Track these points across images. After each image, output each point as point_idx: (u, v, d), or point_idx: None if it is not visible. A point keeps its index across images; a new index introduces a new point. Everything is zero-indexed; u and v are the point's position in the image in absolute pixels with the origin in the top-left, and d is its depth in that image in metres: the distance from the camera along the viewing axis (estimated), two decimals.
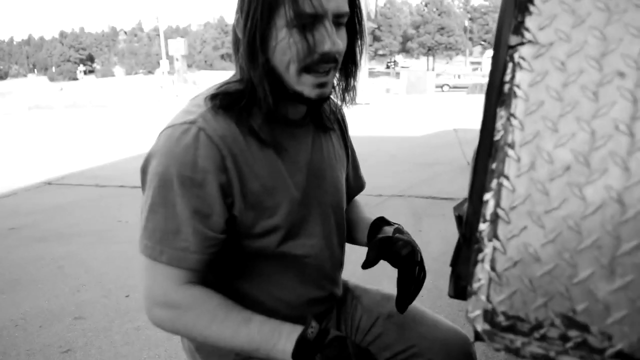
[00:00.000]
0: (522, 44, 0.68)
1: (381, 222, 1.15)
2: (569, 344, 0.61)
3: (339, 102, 1.05)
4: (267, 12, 0.86)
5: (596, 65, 0.63)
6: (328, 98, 0.96)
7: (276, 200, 0.97)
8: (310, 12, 0.85)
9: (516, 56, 0.68)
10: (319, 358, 0.86)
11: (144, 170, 0.94)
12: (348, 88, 1.02)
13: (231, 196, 0.92)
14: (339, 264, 1.16)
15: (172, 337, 2.39)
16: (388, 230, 1.11)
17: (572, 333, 0.61)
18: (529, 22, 0.68)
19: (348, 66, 1.00)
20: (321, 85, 0.91)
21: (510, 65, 0.68)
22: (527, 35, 0.68)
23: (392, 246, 1.06)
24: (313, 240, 1.05)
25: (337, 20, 0.89)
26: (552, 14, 0.67)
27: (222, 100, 0.93)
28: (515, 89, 0.67)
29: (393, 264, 1.08)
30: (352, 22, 0.95)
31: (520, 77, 0.67)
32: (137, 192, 5.52)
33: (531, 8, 0.68)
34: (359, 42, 0.98)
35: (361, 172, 1.31)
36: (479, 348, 1.19)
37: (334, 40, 0.87)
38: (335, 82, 1.01)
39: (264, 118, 0.95)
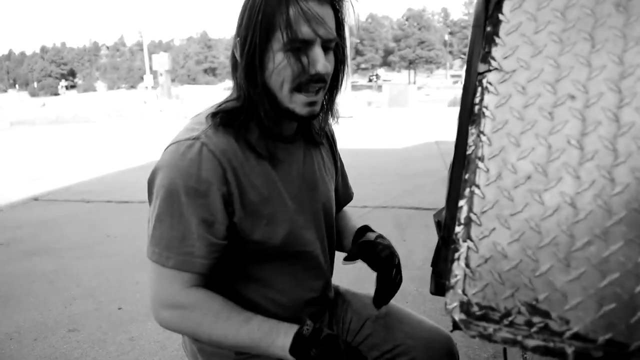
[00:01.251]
0: (489, 70, 0.78)
1: (365, 229, 1.26)
2: (534, 329, 0.71)
3: (322, 119, 1.14)
4: (264, 36, 0.96)
5: (551, 89, 0.74)
6: (318, 115, 1.05)
7: (272, 209, 1.05)
8: (303, 37, 0.95)
9: (484, 81, 0.78)
10: (314, 353, 0.95)
11: (150, 184, 1.03)
12: (331, 107, 1.12)
13: (232, 205, 1.00)
14: (330, 268, 1.25)
15: (167, 347, 2.44)
16: (371, 236, 1.21)
17: (536, 319, 0.71)
18: (495, 52, 0.79)
19: (332, 87, 1.09)
20: (311, 104, 1.00)
21: (479, 89, 0.78)
22: (493, 63, 0.78)
23: (373, 249, 1.17)
24: (307, 246, 1.13)
25: (325, 45, 0.99)
26: (514, 45, 0.78)
27: (222, 118, 1.02)
28: (484, 109, 0.77)
29: (372, 267, 1.19)
30: (337, 48, 1.05)
31: (488, 99, 0.77)
32: (123, 207, 5.57)
33: (497, 40, 0.79)
34: (342, 66, 1.08)
35: (350, 184, 1.41)
36: (461, 349, 1.28)
37: (323, 63, 0.97)
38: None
39: (259, 133, 1.04)
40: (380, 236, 1.22)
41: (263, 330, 0.98)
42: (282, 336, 0.97)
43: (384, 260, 1.16)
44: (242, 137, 1.02)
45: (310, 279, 1.17)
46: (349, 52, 1.10)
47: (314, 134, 1.19)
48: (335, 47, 1.03)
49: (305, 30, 0.94)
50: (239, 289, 1.10)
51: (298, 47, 0.96)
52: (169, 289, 1.00)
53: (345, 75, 1.10)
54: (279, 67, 0.96)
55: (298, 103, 0.99)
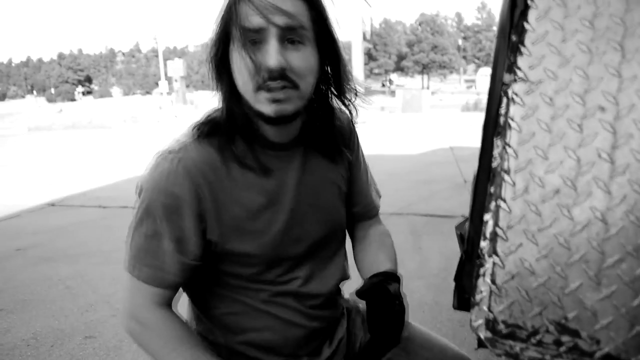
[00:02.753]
0: (514, 81, 0.77)
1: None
2: (562, 348, 0.69)
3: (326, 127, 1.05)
4: (224, 35, 0.91)
5: (580, 100, 0.72)
6: (293, 117, 0.94)
7: (263, 221, 1.00)
8: (253, 26, 0.87)
9: (510, 92, 0.76)
10: None
11: (138, 195, 0.99)
12: (327, 110, 1.03)
13: (205, 222, 0.96)
14: (337, 281, 1.17)
15: None
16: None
17: (565, 338, 0.69)
18: (521, 62, 0.77)
19: (327, 87, 1.00)
20: (277, 101, 0.89)
21: (504, 100, 0.77)
22: (519, 73, 0.76)
23: (383, 294, 0.98)
24: (308, 256, 1.08)
25: (288, 35, 0.88)
26: (541, 55, 0.76)
27: (205, 129, 0.98)
28: (510, 121, 0.75)
29: (373, 312, 0.99)
30: (322, 38, 0.94)
31: (514, 110, 0.76)
32: None
33: (522, 49, 0.77)
34: (335, 61, 0.97)
35: (373, 196, 1.28)
36: None
37: (276, 57, 0.86)
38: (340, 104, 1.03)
39: (247, 143, 0.98)
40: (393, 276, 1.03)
41: None
42: None
43: (393, 314, 0.96)
44: (226, 148, 0.97)
45: (306, 295, 1.09)
46: (339, 41, 0.96)
47: (332, 143, 1.08)
48: (318, 39, 0.93)
49: (255, 19, 0.86)
50: (237, 310, 1.06)
51: (254, 41, 0.88)
52: (136, 302, 0.98)
53: (342, 72, 0.99)
54: (239, 66, 0.90)
55: (263, 102, 0.90)
